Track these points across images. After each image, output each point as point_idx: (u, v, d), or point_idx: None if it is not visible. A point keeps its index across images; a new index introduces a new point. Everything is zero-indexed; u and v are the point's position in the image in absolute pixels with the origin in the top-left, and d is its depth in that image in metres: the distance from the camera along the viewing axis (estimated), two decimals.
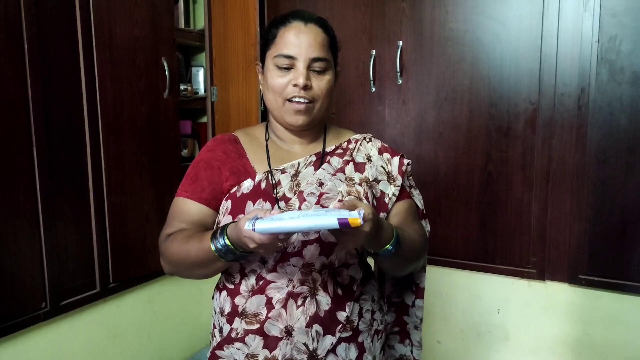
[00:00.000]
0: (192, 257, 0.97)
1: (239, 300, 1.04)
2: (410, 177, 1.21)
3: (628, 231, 1.79)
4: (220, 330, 1.07)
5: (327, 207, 1.02)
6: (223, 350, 1.04)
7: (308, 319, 0.98)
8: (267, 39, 1.08)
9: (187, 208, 1.06)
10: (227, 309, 1.05)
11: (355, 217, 0.78)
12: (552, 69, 1.88)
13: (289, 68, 1.03)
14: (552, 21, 1.87)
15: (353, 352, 1.04)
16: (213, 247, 0.91)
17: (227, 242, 0.90)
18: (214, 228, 1.05)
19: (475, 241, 2.09)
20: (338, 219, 0.78)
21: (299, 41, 1.02)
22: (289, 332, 0.98)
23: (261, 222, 0.80)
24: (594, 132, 1.83)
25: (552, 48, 1.88)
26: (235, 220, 0.97)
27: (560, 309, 1.96)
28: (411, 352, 1.25)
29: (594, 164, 1.83)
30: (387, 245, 0.94)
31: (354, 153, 1.12)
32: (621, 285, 1.82)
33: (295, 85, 1.02)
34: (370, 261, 1.13)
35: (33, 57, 1.66)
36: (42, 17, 1.69)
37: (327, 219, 0.78)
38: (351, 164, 1.10)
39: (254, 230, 0.80)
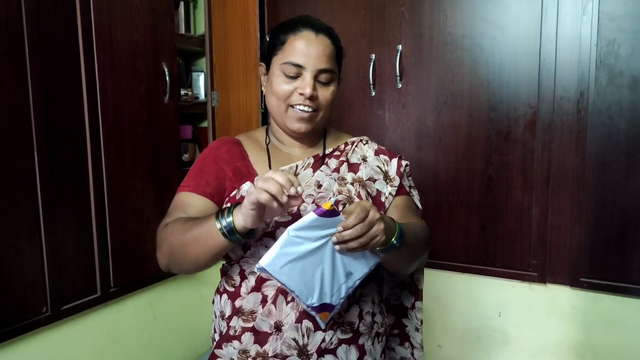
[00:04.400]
0: (193, 234, 0.94)
1: (239, 302, 1.04)
2: (410, 178, 1.22)
3: (629, 234, 1.80)
4: (221, 334, 1.07)
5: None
6: (222, 349, 1.04)
7: (298, 314, 0.99)
8: (274, 44, 1.08)
9: (190, 201, 1.06)
10: (228, 312, 1.06)
11: (327, 202, 0.83)
12: (551, 73, 1.89)
13: (295, 76, 1.04)
14: (550, 26, 1.88)
15: (353, 354, 1.04)
16: (218, 225, 0.90)
17: (232, 220, 0.88)
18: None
19: (476, 245, 2.09)
20: (314, 211, 0.83)
21: (308, 51, 1.03)
22: (278, 327, 0.99)
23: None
24: (593, 136, 1.83)
25: (551, 52, 1.89)
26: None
27: (562, 312, 1.96)
28: (412, 354, 1.25)
29: (594, 168, 1.84)
30: (392, 239, 0.93)
31: (349, 154, 1.14)
32: (622, 288, 1.82)
33: (301, 94, 1.04)
34: None
35: (34, 62, 1.67)
36: (43, 21, 1.70)
37: (307, 216, 0.83)
38: (345, 164, 1.12)
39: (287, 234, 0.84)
